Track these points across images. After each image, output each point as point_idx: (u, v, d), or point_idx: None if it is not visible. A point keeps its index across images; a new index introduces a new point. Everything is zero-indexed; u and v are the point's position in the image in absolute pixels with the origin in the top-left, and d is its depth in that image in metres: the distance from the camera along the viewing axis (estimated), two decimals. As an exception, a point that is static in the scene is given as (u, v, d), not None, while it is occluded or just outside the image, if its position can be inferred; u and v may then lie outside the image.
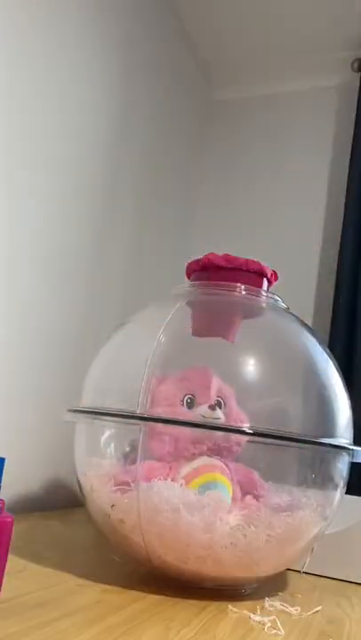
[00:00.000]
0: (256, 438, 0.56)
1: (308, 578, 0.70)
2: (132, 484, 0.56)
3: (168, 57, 1.41)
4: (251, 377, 0.63)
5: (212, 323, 0.70)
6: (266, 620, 0.50)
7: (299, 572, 0.70)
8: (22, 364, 0.92)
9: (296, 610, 0.55)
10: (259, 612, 0.52)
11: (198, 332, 0.68)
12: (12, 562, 0.56)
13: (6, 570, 0.42)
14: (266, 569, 0.58)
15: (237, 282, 0.67)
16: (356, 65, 1.44)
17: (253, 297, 0.68)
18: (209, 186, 1.62)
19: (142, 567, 0.60)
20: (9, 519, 0.41)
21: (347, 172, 1.38)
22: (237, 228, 1.54)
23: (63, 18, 0.98)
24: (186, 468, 0.56)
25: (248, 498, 0.58)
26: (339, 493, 0.62)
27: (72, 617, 0.44)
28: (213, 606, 0.53)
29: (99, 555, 0.68)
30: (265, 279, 0.70)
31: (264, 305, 0.70)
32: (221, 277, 0.68)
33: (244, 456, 0.60)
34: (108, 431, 0.63)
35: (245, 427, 0.59)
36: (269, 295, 0.70)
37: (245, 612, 0.52)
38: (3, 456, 0.44)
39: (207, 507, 0.53)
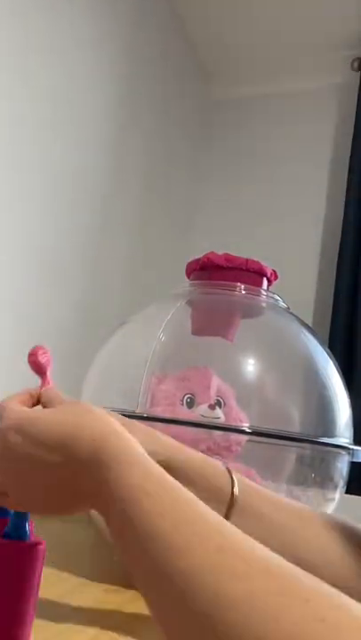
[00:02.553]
0: (256, 438, 0.56)
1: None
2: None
3: (168, 57, 1.40)
4: (251, 377, 0.63)
5: (211, 322, 0.69)
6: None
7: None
8: (22, 364, 0.92)
9: (296, 609, 0.54)
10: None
11: (198, 331, 0.67)
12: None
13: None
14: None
15: (237, 281, 0.67)
16: (356, 64, 1.44)
17: (253, 296, 0.68)
18: (209, 186, 1.61)
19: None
20: (42, 545, 0.38)
21: (347, 171, 1.38)
22: (237, 228, 1.54)
23: (63, 19, 0.98)
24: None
25: (248, 497, 0.57)
26: (338, 493, 0.62)
27: (72, 617, 0.44)
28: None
29: (99, 555, 0.68)
30: (265, 279, 0.70)
31: (264, 304, 0.70)
32: (221, 277, 0.68)
33: (244, 455, 0.60)
34: (107, 431, 0.63)
35: (245, 426, 0.58)
36: (269, 295, 0.70)
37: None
38: None
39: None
